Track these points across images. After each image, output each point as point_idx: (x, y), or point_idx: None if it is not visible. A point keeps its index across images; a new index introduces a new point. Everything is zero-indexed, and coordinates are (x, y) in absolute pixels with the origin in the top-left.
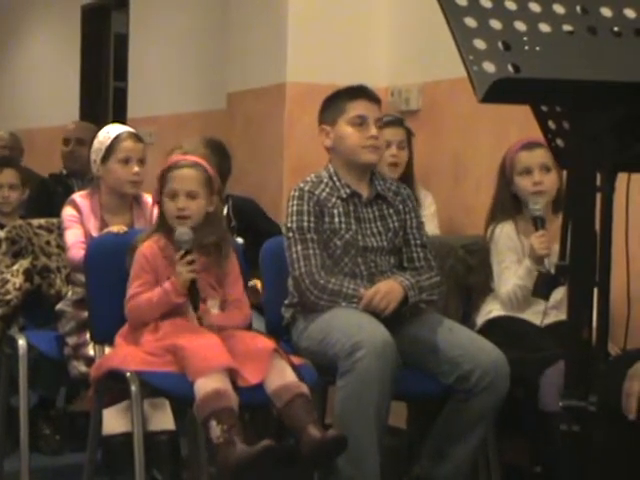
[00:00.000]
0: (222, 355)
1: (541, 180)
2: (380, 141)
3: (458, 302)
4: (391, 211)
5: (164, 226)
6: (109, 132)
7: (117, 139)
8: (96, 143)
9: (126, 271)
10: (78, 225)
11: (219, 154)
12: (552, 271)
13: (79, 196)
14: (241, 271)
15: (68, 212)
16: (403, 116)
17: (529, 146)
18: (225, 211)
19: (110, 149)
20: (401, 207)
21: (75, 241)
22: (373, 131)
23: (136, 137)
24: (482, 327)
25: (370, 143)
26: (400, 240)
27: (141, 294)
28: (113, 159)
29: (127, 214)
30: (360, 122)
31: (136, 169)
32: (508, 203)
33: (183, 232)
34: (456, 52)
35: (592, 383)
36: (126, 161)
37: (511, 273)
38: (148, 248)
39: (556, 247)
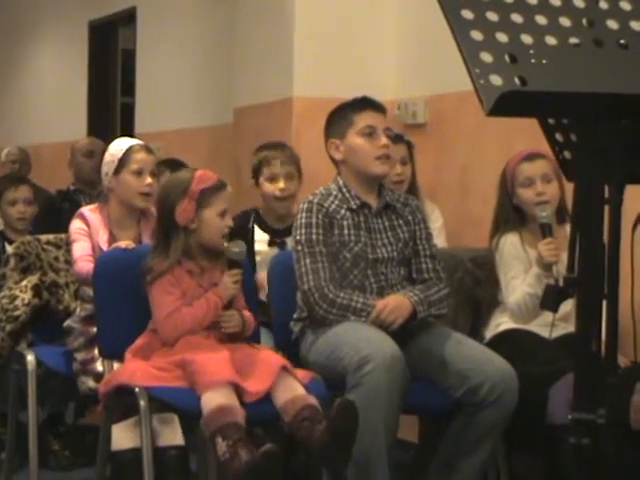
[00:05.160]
0: (226, 370)
1: (544, 190)
2: (391, 150)
3: (467, 315)
4: (400, 222)
5: (190, 251)
6: (120, 145)
7: (130, 151)
8: (108, 156)
9: (141, 292)
10: (86, 238)
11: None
12: (561, 280)
13: (88, 210)
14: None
15: (76, 225)
16: (410, 129)
17: (530, 157)
18: None
19: (123, 161)
20: (410, 218)
21: (82, 254)
22: (384, 140)
23: (148, 149)
24: (491, 340)
25: (382, 152)
26: (410, 251)
27: (180, 309)
28: (126, 171)
29: (135, 227)
30: (370, 132)
31: (149, 180)
32: (511, 215)
33: (240, 244)
34: (462, 65)
35: (601, 396)
36: (139, 173)
37: (519, 282)
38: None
39: (563, 256)
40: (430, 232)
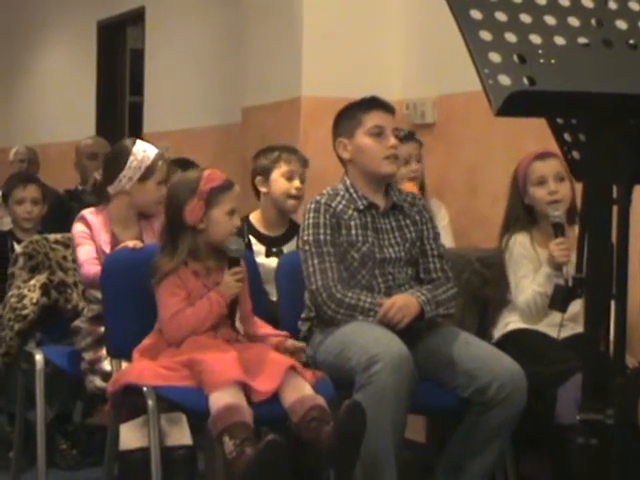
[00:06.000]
0: (234, 369)
1: (557, 189)
2: (399, 150)
3: (475, 315)
4: (408, 222)
5: (197, 251)
6: (147, 150)
7: (156, 159)
8: (134, 161)
9: (149, 291)
10: (89, 241)
11: None
12: (570, 280)
13: (88, 212)
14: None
15: (78, 228)
16: (418, 129)
17: (542, 156)
18: None
19: (151, 169)
20: (417, 218)
21: (87, 258)
22: (392, 141)
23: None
24: (499, 340)
25: (390, 153)
26: (417, 251)
27: (184, 310)
28: (153, 180)
29: (136, 227)
30: (378, 132)
31: (164, 190)
32: (522, 215)
33: (237, 241)
34: (471, 65)
35: (610, 396)
36: (161, 182)
37: (528, 281)
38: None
39: (573, 257)
40: (438, 232)
